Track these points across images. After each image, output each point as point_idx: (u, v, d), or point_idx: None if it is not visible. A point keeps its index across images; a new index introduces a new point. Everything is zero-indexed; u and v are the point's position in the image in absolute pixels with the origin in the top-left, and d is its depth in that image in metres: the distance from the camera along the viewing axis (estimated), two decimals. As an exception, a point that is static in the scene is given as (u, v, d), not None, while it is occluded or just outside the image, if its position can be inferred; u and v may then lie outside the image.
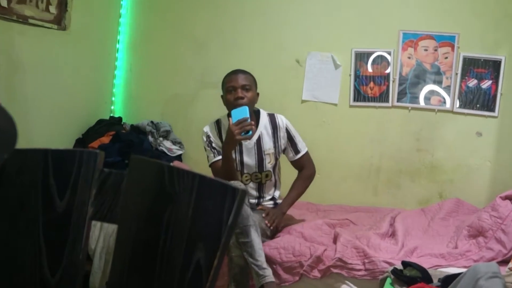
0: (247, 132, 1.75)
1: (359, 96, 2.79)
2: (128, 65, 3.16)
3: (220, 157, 1.94)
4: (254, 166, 1.99)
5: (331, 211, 2.55)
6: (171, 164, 2.58)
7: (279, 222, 1.95)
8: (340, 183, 2.85)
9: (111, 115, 3.13)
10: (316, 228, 2.12)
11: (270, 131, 2.00)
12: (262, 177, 2.01)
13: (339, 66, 2.80)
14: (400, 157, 2.75)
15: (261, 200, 2.07)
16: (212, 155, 1.99)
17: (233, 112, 1.79)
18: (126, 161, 2.54)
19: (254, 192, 2.03)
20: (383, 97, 2.74)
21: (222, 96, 1.98)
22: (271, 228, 1.89)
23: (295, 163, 2.09)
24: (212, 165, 1.99)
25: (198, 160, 2.30)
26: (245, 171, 1.99)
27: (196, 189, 0.71)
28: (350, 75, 2.79)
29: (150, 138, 2.87)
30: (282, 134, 2.00)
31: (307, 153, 2.08)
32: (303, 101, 2.88)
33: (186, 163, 2.94)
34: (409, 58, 2.69)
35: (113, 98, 3.16)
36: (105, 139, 2.76)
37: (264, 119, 2.01)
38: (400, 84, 2.72)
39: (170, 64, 3.09)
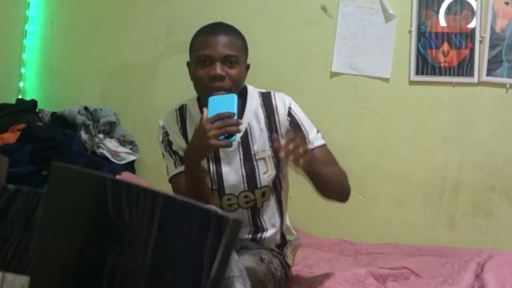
0: (230, 136, 1.72)
1: (425, 66, 2.82)
2: (47, 16, 3.19)
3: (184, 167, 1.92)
4: (241, 181, 1.97)
5: (380, 255, 2.59)
6: (118, 177, 2.69)
7: (308, 160, 1.72)
8: (395, 208, 2.88)
9: (19, 97, 3.16)
10: (355, 281, 2.13)
11: (263, 120, 1.98)
12: (257, 198, 1.99)
13: (392, 18, 2.84)
14: (493, 166, 2.78)
15: (260, 235, 2.05)
16: (173, 164, 1.99)
17: (212, 100, 1.77)
18: (44, 172, 2.57)
19: (246, 221, 2.02)
20: (465, 67, 2.77)
21: (188, 64, 1.96)
22: (289, 157, 1.68)
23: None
24: (172, 180, 1.99)
25: (162, 171, 2.23)
26: (226, 191, 1.97)
27: (159, 219, 0.72)
28: (410, 31, 2.82)
29: (84, 135, 2.93)
30: (282, 121, 1.96)
31: (324, 147, 2.00)
32: (333, 75, 2.91)
33: (143, 175, 2.97)
34: (506, 4, 2.71)
35: (22, 70, 3.19)
36: (10, 137, 2.79)
37: (254, 101, 1.99)
38: (492, 47, 2.74)
39: (116, 15, 3.11)
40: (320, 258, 2.50)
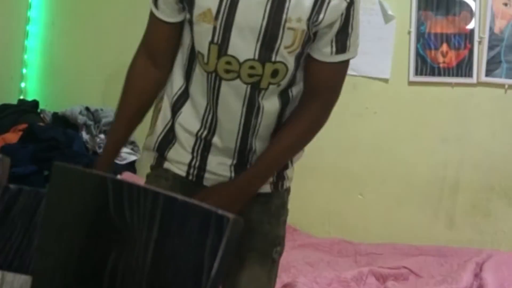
0: None
1: (424, 66, 2.84)
2: (49, 17, 3.17)
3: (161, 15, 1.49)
4: (254, 45, 1.43)
5: (379, 255, 2.61)
6: (119, 177, 2.69)
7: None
8: (394, 208, 2.90)
9: (21, 97, 3.16)
10: (357, 279, 2.15)
11: None
12: (264, 75, 1.46)
13: (392, 19, 2.86)
14: (492, 167, 2.80)
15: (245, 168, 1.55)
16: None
17: None
18: (46, 172, 2.56)
19: (237, 116, 1.50)
20: (463, 68, 2.78)
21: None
22: None
23: (313, 73, 1.52)
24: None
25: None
26: (229, 51, 1.43)
27: (160, 219, 0.72)
28: (409, 32, 2.85)
29: (85, 135, 2.93)
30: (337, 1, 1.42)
31: (347, 63, 1.52)
32: (333, 75, 2.94)
33: (144, 175, 2.80)
34: (505, 5, 2.72)
35: (23, 70, 3.19)
36: (12, 137, 2.79)
37: None
38: (491, 48, 2.75)
39: (116, 15, 3.10)
40: (320, 260, 2.53)
